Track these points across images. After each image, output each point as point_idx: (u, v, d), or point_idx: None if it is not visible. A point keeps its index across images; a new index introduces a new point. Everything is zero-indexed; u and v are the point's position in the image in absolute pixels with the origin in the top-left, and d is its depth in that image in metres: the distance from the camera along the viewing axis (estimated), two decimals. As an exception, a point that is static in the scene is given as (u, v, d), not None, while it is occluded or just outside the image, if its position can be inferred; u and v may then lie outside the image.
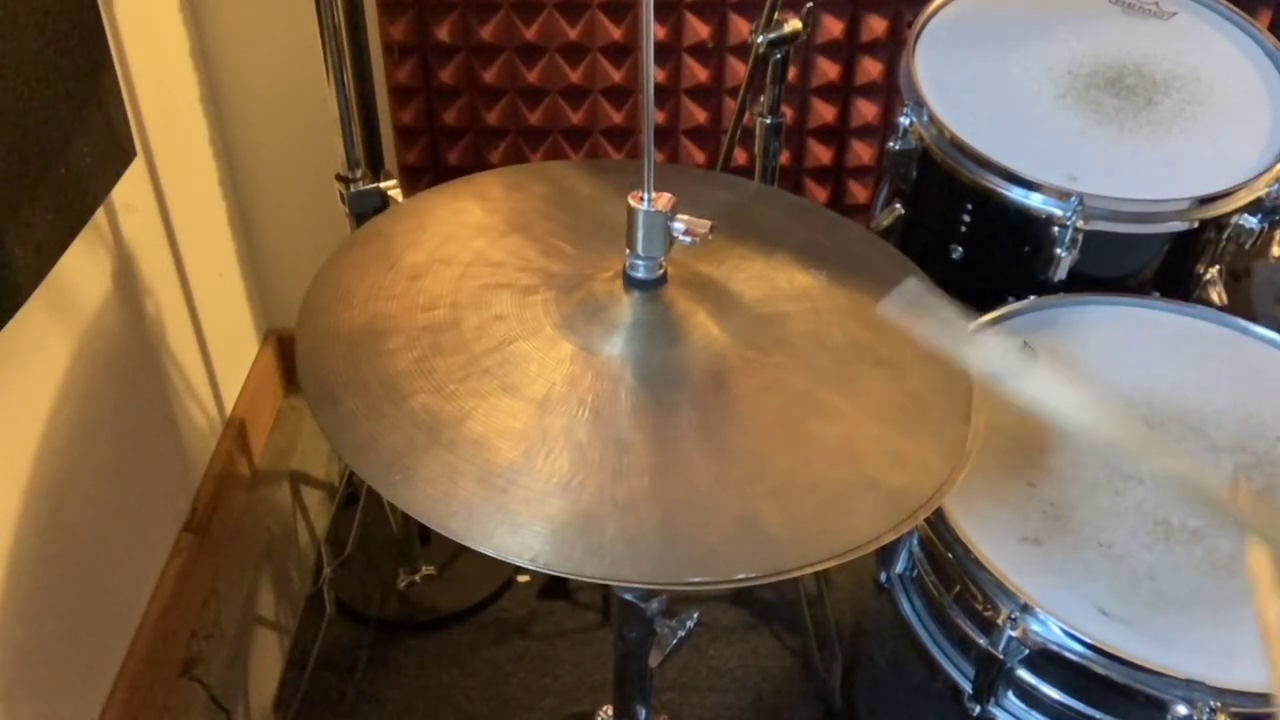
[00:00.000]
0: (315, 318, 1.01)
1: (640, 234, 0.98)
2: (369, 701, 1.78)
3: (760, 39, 1.46)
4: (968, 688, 1.18)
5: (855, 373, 1.01)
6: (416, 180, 2.02)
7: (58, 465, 1.40)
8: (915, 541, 1.24)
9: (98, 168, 1.41)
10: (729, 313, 1.03)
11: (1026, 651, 1.10)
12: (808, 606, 1.87)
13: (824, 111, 1.97)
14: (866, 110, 1.96)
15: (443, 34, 1.89)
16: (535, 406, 0.93)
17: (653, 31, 0.92)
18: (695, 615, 1.11)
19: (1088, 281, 1.41)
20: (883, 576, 1.29)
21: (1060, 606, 1.09)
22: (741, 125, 1.60)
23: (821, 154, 2.00)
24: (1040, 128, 1.44)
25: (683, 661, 1.81)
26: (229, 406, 1.98)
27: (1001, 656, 1.11)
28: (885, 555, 1.28)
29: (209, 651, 1.75)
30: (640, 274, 1.01)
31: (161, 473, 1.71)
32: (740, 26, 1.88)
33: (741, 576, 0.83)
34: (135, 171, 1.58)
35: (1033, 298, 1.40)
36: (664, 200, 0.96)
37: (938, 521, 1.16)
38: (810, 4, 1.47)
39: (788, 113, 1.63)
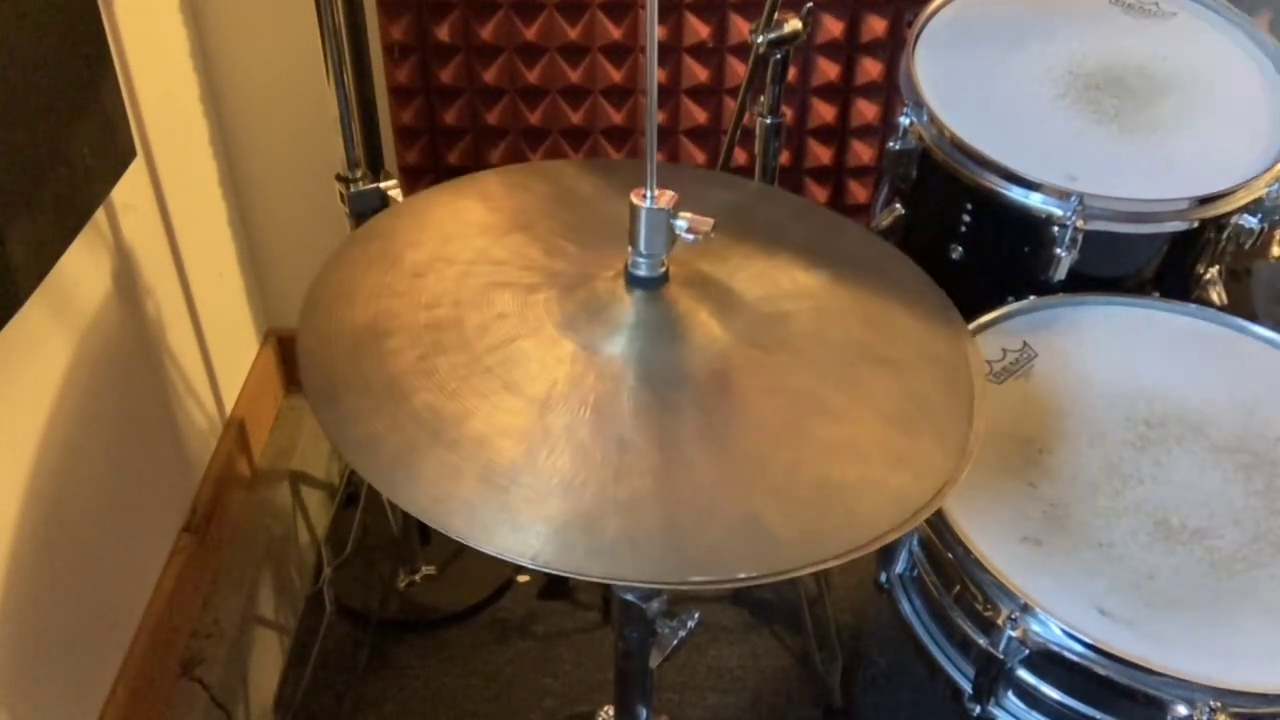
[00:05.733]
0: (317, 316, 1.01)
1: (643, 231, 0.98)
2: (369, 701, 1.78)
3: (760, 39, 1.46)
4: (968, 688, 1.18)
5: (857, 372, 1.01)
6: (416, 180, 2.02)
7: (58, 465, 1.40)
8: (915, 541, 1.24)
9: (98, 168, 1.41)
10: (731, 312, 1.04)
11: (1026, 652, 1.10)
12: (808, 606, 1.87)
13: (824, 111, 1.97)
14: (866, 110, 1.96)
15: (443, 34, 1.89)
16: (537, 405, 0.93)
17: (656, 29, 0.92)
18: (696, 615, 1.11)
19: (1088, 281, 1.41)
20: (883, 576, 1.29)
21: (1060, 606, 1.09)
22: (741, 125, 1.60)
23: (821, 154, 2.01)
24: (1040, 128, 1.44)
25: (683, 661, 1.81)
26: (229, 406, 1.98)
27: (1001, 656, 1.11)
28: (885, 555, 1.28)
29: (209, 651, 1.75)
30: (643, 272, 1.01)
31: (161, 473, 1.71)
32: (740, 26, 1.88)
33: (743, 576, 0.83)
34: (135, 171, 1.58)
35: (1033, 298, 1.40)
36: (667, 197, 0.96)
37: (938, 521, 1.16)
38: (810, 4, 1.47)
39: (788, 113, 1.63)
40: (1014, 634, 1.09)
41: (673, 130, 1.98)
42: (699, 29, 1.89)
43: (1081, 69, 1.51)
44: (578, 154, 2.00)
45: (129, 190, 1.57)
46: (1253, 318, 1.38)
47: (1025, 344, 1.35)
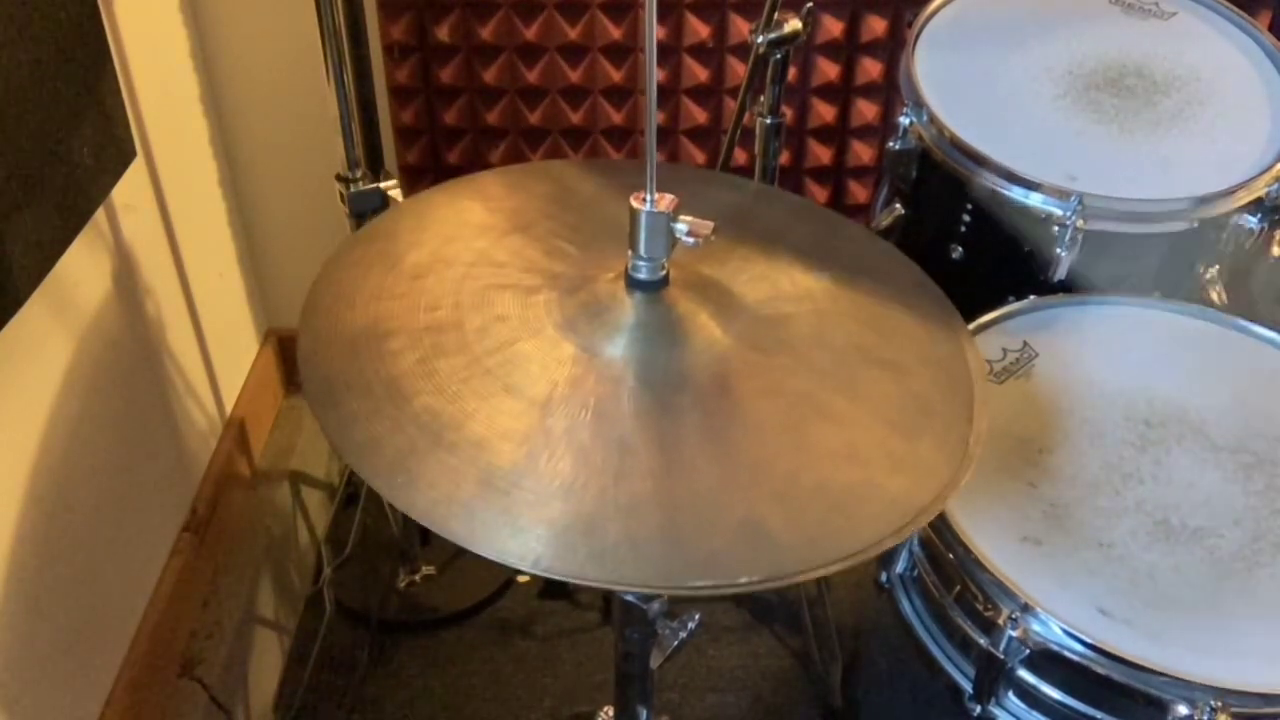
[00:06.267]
0: (317, 318, 1.01)
1: (643, 235, 0.97)
2: (369, 701, 1.78)
3: (760, 39, 1.46)
4: (968, 688, 1.18)
5: (858, 375, 1.01)
6: (416, 180, 2.02)
7: (58, 465, 1.40)
8: (915, 541, 1.24)
9: (98, 168, 1.41)
10: (731, 314, 1.03)
11: (1027, 651, 1.10)
12: (808, 606, 1.87)
13: (824, 111, 1.97)
14: (866, 110, 1.96)
15: (443, 34, 1.89)
16: (537, 408, 0.93)
17: (655, 31, 0.92)
18: (697, 617, 1.11)
19: (1088, 281, 1.41)
20: (883, 576, 1.29)
21: (1060, 606, 1.09)
22: (741, 125, 1.60)
23: (821, 154, 2.01)
24: (1040, 128, 1.44)
25: (683, 661, 1.81)
26: (229, 406, 1.98)
27: (1002, 656, 1.11)
28: (885, 555, 1.28)
29: (209, 651, 1.75)
30: (643, 275, 1.00)
31: (161, 473, 1.71)
32: (740, 26, 1.88)
33: (745, 580, 0.83)
34: (135, 171, 1.58)
35: (1033, 298, 1.40)
36: (666, 201, 0.96)
37: (938, 521, 1.16)
38: (810, 4, 1.47)
39: (788, 113, 1.63)
40: (1014, 634, 1.09)
41: (673, 130, 1.98)
42: (699, 29, 1.89)
43: (1081, 69, 1.51)
44: (578, 154, 2.00)
45: (129, 190, 1.57)
46: (1253, 318, 1.38)
47: (1025, 344, 1.35)
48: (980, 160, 1.40)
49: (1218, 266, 1.48)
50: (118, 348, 1.57)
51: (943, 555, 1.17)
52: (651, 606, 1.07)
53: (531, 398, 0.94)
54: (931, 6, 1.57)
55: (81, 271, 1.46)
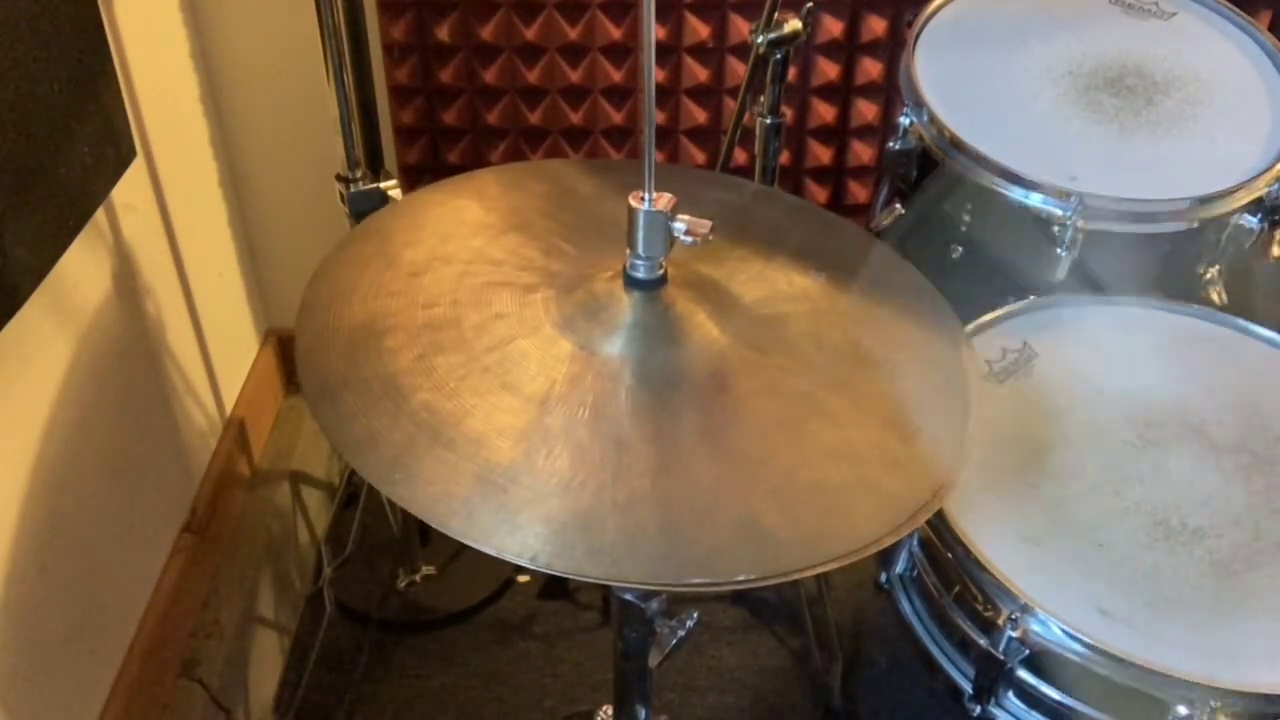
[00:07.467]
0: (315, 315, 1.01)
1: (641, 234, 0.98)
2: (369, 701, 1.78)
3: (760, 39, 1.46)
4: (968, 688, 1.18)
5: (854, 374, 1.01)
6: (416, 180, 2.02)
7: (58, 465, 1.40)
8: (915, 541, 1.24)
9: (98, 168, 1.41)
10: (729, 314, 1.04)
11: (1027, 652, 1.10)
12: (808, 606, 1.87)
13: (824, 111, 1.97)
14: (866, 110, 1.96)
15: (443, 34, 1.89)
16: (535, 405, 0.93)
17: (654, 31, 0.92)
18: (695, 615, 1.11)
19: (1088, 281, 1.41)
20: (882, 577, 1.29)
21: (1060, 607, 1.09)
22: (741, 125, 1.60)
23: (821, 154, 2.00)
24: (1040, 128, 1.44)
25: (683, 661, 1.81)
26: (229, 406, 1.98)
27: (1001, 657, 1.11)
28: (885, 555, 1.28)
29: (209, 651, 1.75)
30: (640, 274, 1.01)
31: (161, 473, 1.71)
32: (740, 26, 1.88)
33: (742, 578, 0.83)
34: (135, 171, 1.58)
35: (1033, 298, 1.40)
36: (665, 200, 0.96)
37: (938, 521, 1.16)
38: (810, 4, 1.47)
39: (788, 113, 1.63)
40: (1014, 634, 1.09)
41: (673, 130, 1.98)
42: (699, 29, 1.89)
43: (1081, 69, 1.51)
44: (578, 154, 2.00)
45: (129, 190, 1.57)
46: (1253, 318, 1.38)
47: (1025, 344, 1.34)
48: (980, 160, 1.40)
49: (1218, 266, 1.48)
50: (118, 348, 1.57)
51: (942, 555, 1.17)
52: (650, 605, 1.07)
53: (529, 395, 0.94)
54: (931, 6, 1.57)
55: (81, 271, 1.46)
